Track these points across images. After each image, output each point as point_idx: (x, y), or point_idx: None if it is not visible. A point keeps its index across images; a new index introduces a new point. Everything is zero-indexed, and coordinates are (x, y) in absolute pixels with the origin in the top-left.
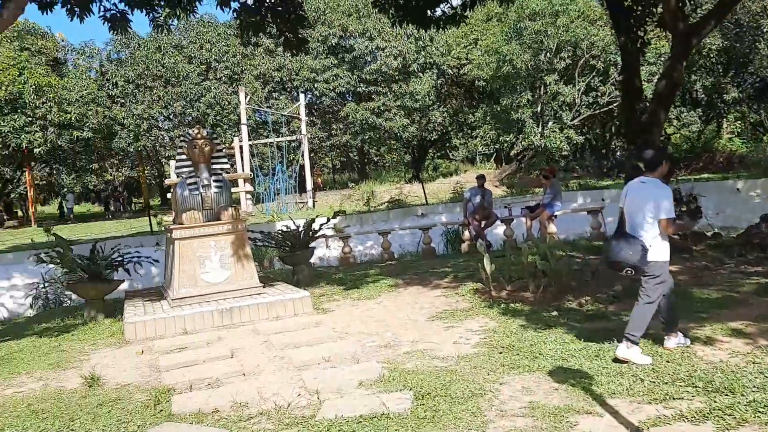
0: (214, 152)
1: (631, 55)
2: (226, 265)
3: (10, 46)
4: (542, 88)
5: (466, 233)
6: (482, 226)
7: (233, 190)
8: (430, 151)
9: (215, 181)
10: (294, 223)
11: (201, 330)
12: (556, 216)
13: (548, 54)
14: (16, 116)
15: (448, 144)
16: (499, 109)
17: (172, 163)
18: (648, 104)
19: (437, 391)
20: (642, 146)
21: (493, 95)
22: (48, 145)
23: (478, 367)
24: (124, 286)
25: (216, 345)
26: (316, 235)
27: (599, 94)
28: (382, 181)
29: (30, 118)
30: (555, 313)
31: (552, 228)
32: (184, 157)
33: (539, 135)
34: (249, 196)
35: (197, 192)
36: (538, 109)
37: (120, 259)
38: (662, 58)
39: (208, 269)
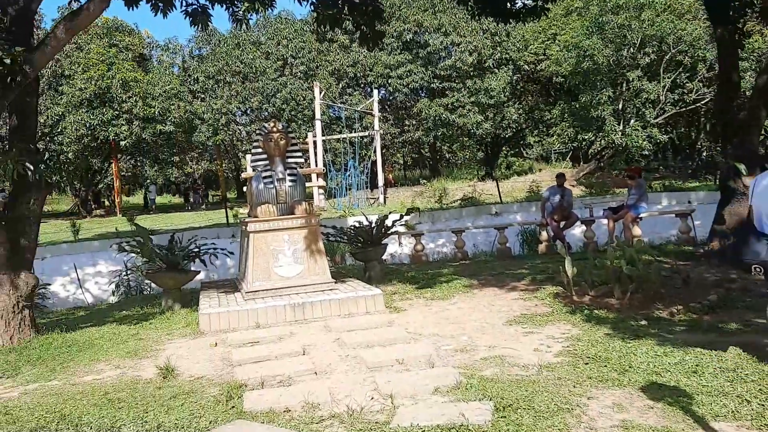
0: (289, 146)
1: (728, 47)
2: (299, 259)
3: (100, 43)
4: (624, 85)
5: (544, 234)
6: (561, 226)
7: (306, 184)
8: (504, 148)
9: (290, 174)
10: (367, 219)
11: (273, 324)
12: (641, 218)
13: (631, 49)
14: (105, 110)
15: (522, 142)
16: (578, 106)
17: (249, 157)
18: (746, 101)
19: (519, 402)
20: (739, 145)
21: (572, 92)
22: (133, 138)
23: (563, 378)
24: (200, 276)
25: (288, 340)
26: (389, 232)
27: (685, 91)
28: (455, 179)
29: (117, 112)
30: (644, 322)
31: (637, 230)
32: (260, 150)
33: (620, 133)
34: (321, 191)
35: (272, 185)
36: (620, 106)
37: (196, 250)
38: (755, 54)
39: (281, 263)
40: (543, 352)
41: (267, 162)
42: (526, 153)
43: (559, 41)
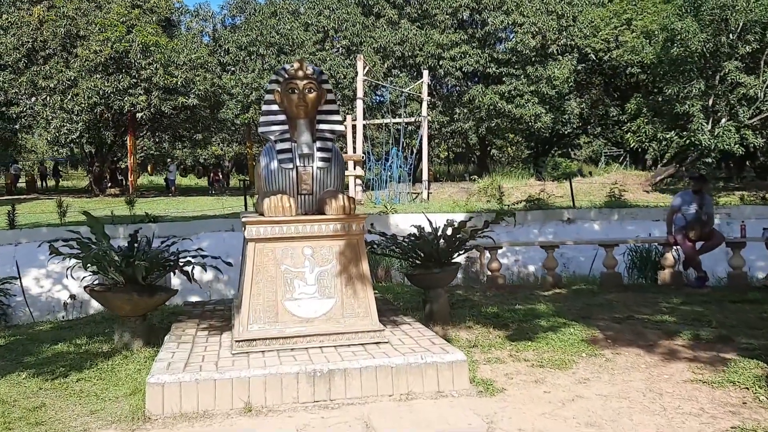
0: (323, 103)
1: None
2: (328, 289)
3: (121, 2)
4: (717, 77)
5: (669, 256)
6: (698, 249)
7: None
8: (555, 147)
9: (321, 150)
10: (431, 224)
11: (275, 407)
12: None
13: (731, 35)
14: (121, 77)
15: (574, 141)
16: (660, 99)
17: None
18: None
19: None
20: None
21: (644, 86)
22: (151, 109)
23: None
24: (207, 277)
25: None
26: (468, 246)
27: None
28: (505, 176)
29: (134, 80)
30: None
31: None
32: (275, 107)
33: (708, 133)
34: (359, 181)
35: (291, 165)
36: (710, 102)
37: (172, 258)
38: None
39: (297, 294)
40: None
41: (285, 126)
42: (574, 154)
43: (635, 26)
